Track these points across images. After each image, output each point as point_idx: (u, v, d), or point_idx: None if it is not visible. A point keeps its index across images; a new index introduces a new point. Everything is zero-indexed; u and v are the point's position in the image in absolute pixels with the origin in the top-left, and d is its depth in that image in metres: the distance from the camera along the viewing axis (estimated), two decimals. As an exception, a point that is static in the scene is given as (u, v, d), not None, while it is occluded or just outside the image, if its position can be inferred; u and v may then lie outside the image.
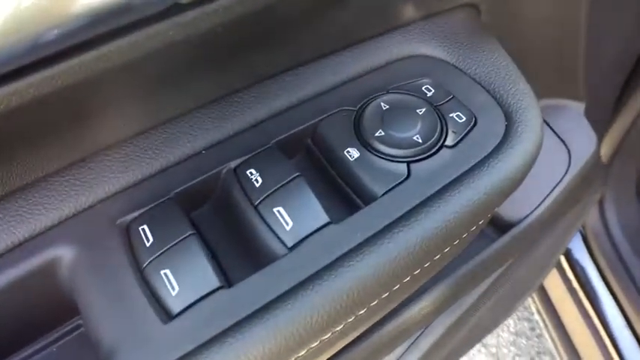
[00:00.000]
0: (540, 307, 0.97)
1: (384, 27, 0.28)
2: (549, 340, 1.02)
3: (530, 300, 1.06)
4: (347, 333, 0.25)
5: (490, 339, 1.15)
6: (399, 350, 0.44)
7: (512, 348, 1.14)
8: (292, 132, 0.26)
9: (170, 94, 0.24)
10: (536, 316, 1.17)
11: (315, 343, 0.23)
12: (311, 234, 0.22)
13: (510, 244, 0.46)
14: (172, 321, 0.20)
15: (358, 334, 0.28)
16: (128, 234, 0.22)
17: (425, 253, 0.24)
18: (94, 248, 0.22)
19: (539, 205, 0.45)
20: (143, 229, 0.22)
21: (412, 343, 0.49)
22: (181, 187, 0.24)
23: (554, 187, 0.45)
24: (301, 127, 0.26)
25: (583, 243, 0.82)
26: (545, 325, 0.98)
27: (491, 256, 0.45)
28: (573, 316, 0.87)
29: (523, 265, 0.58)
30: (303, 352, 0.22)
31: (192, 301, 0.21)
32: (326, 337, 0.22)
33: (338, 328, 0.23)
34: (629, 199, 0.76)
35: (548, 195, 0.45)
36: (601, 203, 0.79)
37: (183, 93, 0.24)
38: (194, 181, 0.24)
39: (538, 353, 1.11)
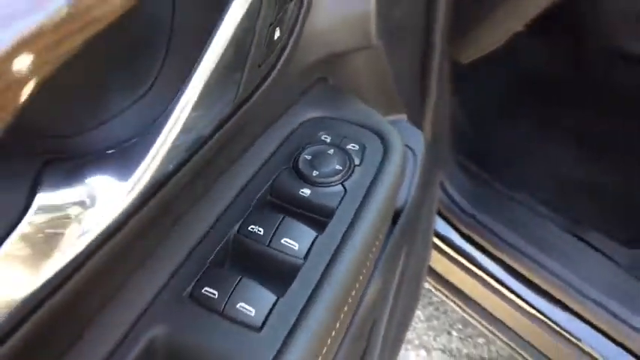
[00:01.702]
0: (436, 286, 1.18)
1: (283, 110, 0.43)
2: (455, 310, 1.23)
3: (426, 287, 1.26)
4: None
5: (410, 335, 1.33)
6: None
7: (430, 332, 1.32)
8: (259, 194, 0.38)
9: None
10: (435, 298, 1.39)
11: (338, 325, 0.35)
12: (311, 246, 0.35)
13: (402, 230, 0.63)
14: (261, 331, 0.31)
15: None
16: (196, 299, 0.32)
17: (374, 237, 0.38)
18: (177, 318, 0.31)
19: (409, 193, 0.63)
20: (206, 290, 0.32)
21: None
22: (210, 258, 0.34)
23: (413, 178, 0.64)
24: (262, 191, 0.39)
25: (441, 218, 1.05)
26: (447, 299, 1.18)
27: (395, 244, 0.61)
28: (463, 279, 1.08)
29: (413, 251, 0.76)
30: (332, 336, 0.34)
31: (266, 312, 0.31)
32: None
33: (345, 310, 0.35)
34: (454, 169, 1.02)
35: (411, 184, 0.63)
36: (440, 183, 1.03)
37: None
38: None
39: (451, 325, 1.32)
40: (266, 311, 0.32)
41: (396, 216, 0.62)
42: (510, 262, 0.99)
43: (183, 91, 0.27)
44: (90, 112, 0.25)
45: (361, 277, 0.37)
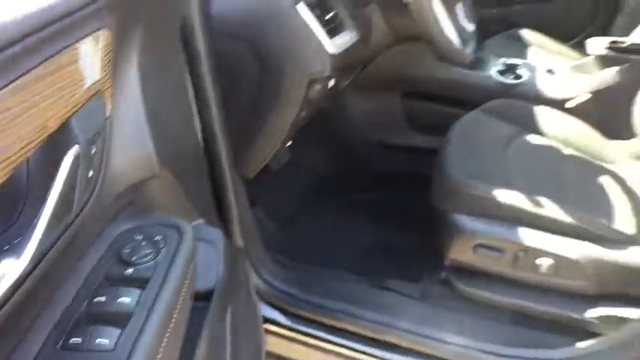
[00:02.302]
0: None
1: (105, 227, 0.66)
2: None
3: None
4: None
5: None
6: None
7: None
8: (99, 280, 0.60)
9: None
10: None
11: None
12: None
13: (218, 305, 0.86)
14: (115, 350, 0.52)
15: None
16: (66, 347, 0.52)
17: (179, 287, 0.62)
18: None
19: (217, 276, 0.88)
20: (72, 340, 0.52)
21: None
22: None
23: (218, 264, 0.89)
24: (100, 278, 0.61)
25: (268, 305, 1.30)
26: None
27: (213, 317, 0.84)
28: (303, 353, 1.32)
29: (240, 331, 0.98)
30: None
31: (116, 339, 0.52)
32: None
33: None
34: (269, 263, 1.30)
35: (218, 269, 0.88)
36: (261, 275, 1.29)
37: None
38: None
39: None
40: (115, 339, 0.52)
41: (210, 294, 0.85)
42: (334, 323, 1.27)
43: (38, 217, 0.50)
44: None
45: (176, 310, 0.60)
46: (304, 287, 1.30)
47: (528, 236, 1.16)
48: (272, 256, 1.31)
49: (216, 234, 0.91)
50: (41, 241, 0.48)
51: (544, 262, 1.15)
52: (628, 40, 1.52)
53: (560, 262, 1.14)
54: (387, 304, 1.30)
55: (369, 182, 1.72)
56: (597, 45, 1.53)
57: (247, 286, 1.06)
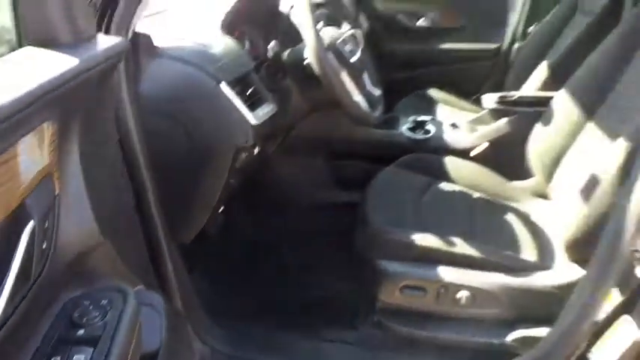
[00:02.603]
0: None
1: (60, 291, 0.74)
2: None
3: None
4: None
5: None
6: None
7: None
8: (52, 341, 0.67)
9: None
10: None
11: None
12: None
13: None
14: None
15: None
16: None
17: (129, 338, 0.70)
18: None
19: (161, 337, 0.95)
20: None
21: None
22: None
23: (161, 326, 0.96)
24: (54, 339, 0.68)
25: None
26: None
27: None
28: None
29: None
30: None
31: None
32: None
33: None
34: (211, 327, 1.36)
35: (160, 330, 0.95)
36: (203, 338, 1.35)
37: None
38: None
39: None
40: None
41: (155, 355, 0.92)
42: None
43: (3, 285, 0.58)
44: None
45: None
46: (245, 347, 1.37)
47: (446, 273, 1.30)
48: (212, 318, 1.38)
49: (156, 299, 0.99)
50: (6, 307, 0.56)
51: (463, 295, 1.29)
52: (516, 95, 1.77)
53: (477, 293, 1.28)
54: (324, 352, 1.38)
55: (300, 240, 1.83)
56: (490, 100, 1.76)
57: (190, 347, 1.13)
